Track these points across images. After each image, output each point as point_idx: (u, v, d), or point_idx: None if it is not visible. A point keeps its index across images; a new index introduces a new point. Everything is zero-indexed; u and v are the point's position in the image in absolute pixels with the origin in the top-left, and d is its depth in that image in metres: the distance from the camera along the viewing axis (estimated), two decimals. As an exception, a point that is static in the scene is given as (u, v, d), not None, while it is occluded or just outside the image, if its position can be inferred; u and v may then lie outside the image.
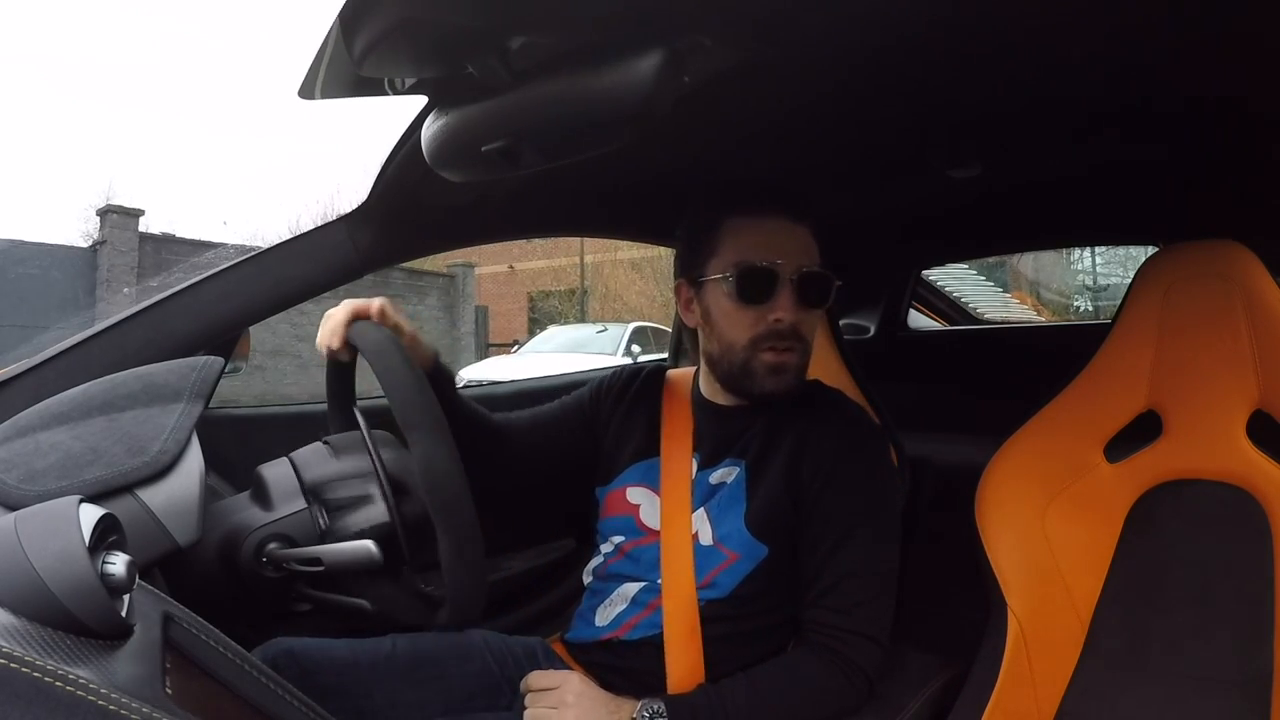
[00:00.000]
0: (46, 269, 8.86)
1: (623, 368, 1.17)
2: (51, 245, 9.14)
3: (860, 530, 0.92)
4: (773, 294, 0.92)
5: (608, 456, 1.08)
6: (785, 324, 0.92)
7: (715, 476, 1.00)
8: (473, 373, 9.01)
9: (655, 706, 0.85)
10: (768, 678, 0.88)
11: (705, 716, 0.85)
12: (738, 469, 0.99)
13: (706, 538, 0.97)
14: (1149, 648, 0.92)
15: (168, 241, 9.76)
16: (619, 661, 0.98)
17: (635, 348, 9.45)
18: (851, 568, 0.91)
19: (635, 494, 1.04)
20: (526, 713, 0.86)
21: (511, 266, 18.39)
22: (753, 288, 0.92)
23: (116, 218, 9.09)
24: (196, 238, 10.31)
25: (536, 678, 0.88)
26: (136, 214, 9.25)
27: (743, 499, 0.97)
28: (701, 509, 0.99)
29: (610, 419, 1.09)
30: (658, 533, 1.00)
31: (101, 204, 9.31)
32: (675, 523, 0.99)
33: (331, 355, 0.91)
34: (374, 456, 0.74)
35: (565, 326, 12.37)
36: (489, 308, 16.72)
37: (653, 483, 1.03)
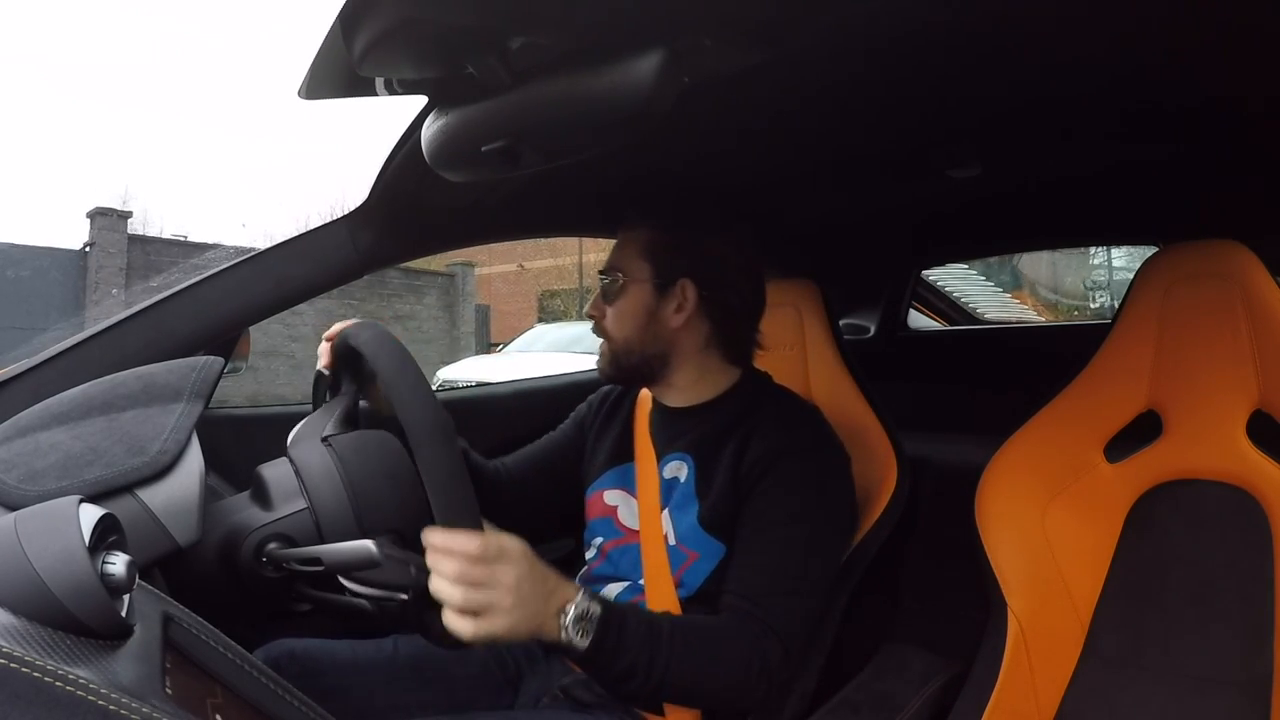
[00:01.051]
0: (45, 269, 9.02)
1: (610, 388, 1.21)
2: (47, 248, 9.28)
3: (786, 530, 0.91)
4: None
5: (589, 463, 1.14)
6: (591, 320, 1.07)
7: (668, 471, 1.03)
8: (449, 373, 8.50)
9: (593, 610, 0.77)
10: (693, 625, 0.85)
11: (632, 623, 0.79)
12: (686, 464, 1.01)
13: (672, 538, 0.99)
14: (1149, 648, 0.92)
15: (157, 243, 9.89)
16: None
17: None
18: (768, 561, 0.90)
19: (612, 496, 1.08)
20: (438, 584, 0.69)
21: (521, 265, 18.26)
22: None
23: (105, 220, 9.18)
24: (184, 238, 10.42)
25: (435, 534, 0.70)
26: (125, 216, 9.41)
27: (694, 497, 0.99)
28: (666, 511, 1.01)
29: (593, 430, 1.17)
30: (636, 532, 1.03)
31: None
32: (651, 523, 1.01)
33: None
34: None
35: (552, 325, 11.64)
36: (490, 307, 16.58)
37: (629, 485, 1.06)
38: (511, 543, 0.74)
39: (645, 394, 1.15)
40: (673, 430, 1.06)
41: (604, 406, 1.18)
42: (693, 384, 1.06)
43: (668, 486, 1.03)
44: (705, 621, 0.88)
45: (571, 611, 0.76)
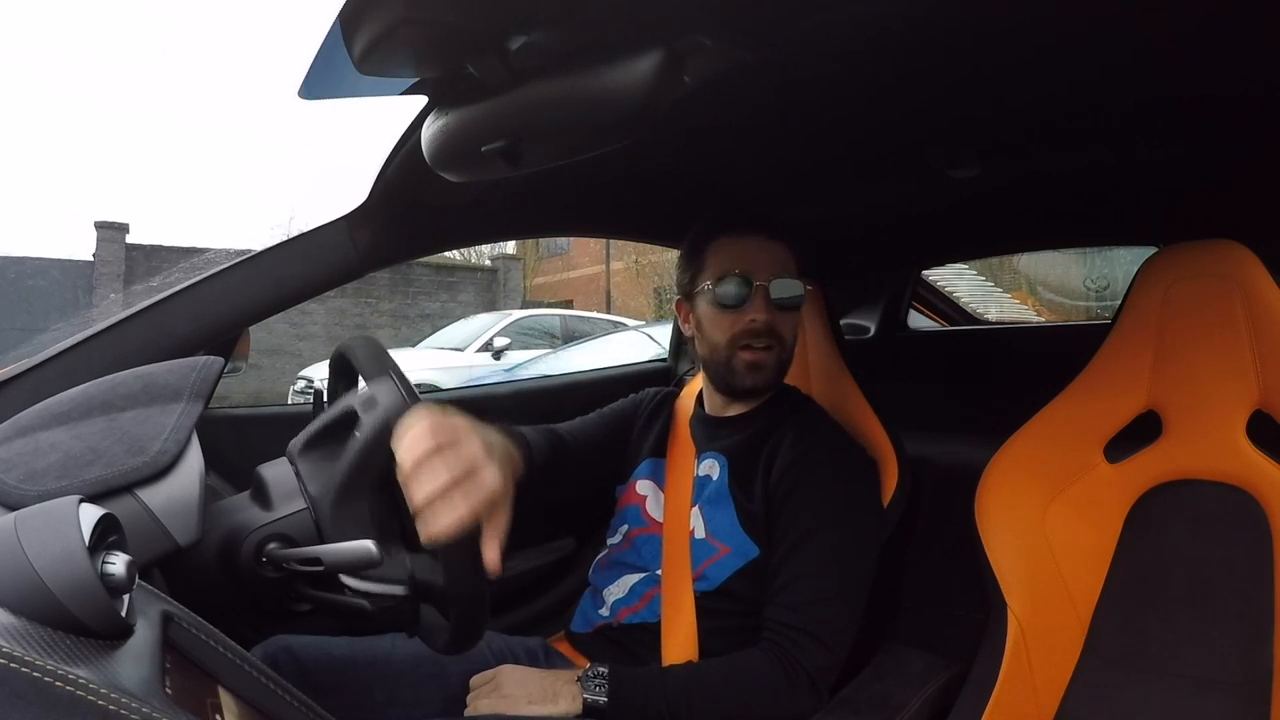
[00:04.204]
0: (66, 274, 10.12)
1: (655, 391, 1.26)
2: (64, 259, 10.38)
3: (819, 535, 0.96)
4: (748, 298, 1.03)
5: (628, 459, 1.19)
6: (760, 323, 1.03)
7: (702, 468, 1.09)
8: (312, 371, 7.40)
9: (600, 670, 0.91)
10: (714, 667, 0.93)
11: (644, 686, 0.90)
12: (719, 464, 1.07)
13: (700, 532, 1.04)
14: (1149, 648, 0.92)
15: (160, 251, 10.55)
16: (617, 648, 1.03)
17: (502, 340, 7.59)
18: (805, 569, 0.95)
19: (643, 486, 1.13)
20: (467, 706, 0.91)
21: (636, 259, 17.90)
22: (730, 293, 1.04)
23: (106, 231, 10.23)
24: (187, 245, 10.91)
25: (474, 679, 0.94)
26: (122, 228, 10.30)
27: (728, 495, 1.03)
28: (696, 506, 1.06)
29: (638, 428, 1.21)
30: (660, 524, 1.08)
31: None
32: (677, 517, 1.06)
33: None
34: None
35: (463, 320, 9.70)
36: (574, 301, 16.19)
37: (659, 479, 1.12)
38: (503, 668, 0.94)
39: (686, 398, 1.21)
40: (712, 433, 1.11)
41: (649, 406, 1.23)
42: None
43: (700, 483, 1.08)
44: (725, 659, 0.93)
45: (584, 672, 0.91)
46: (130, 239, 10.30)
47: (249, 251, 1.00)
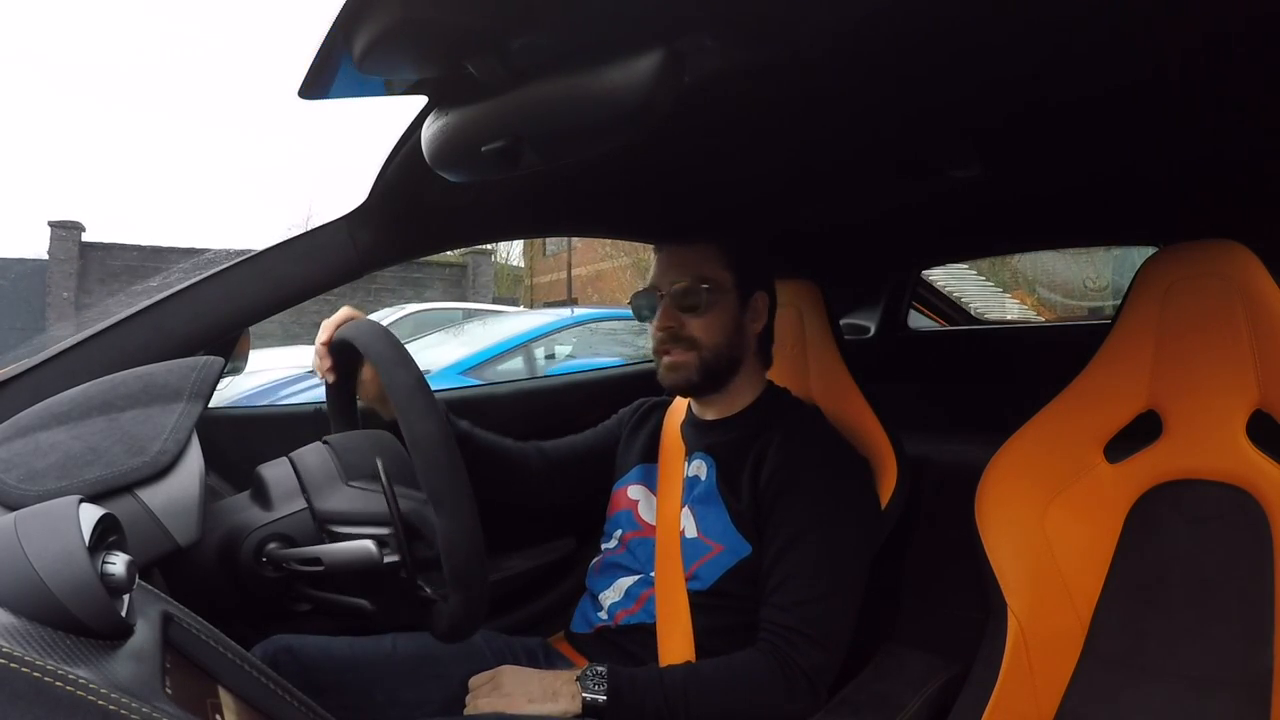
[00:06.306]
0: (33, 275, 10.25)
1: (644, 399, 1.29)
2: (32, 260, 10.50)
3: (811, 535, 0.97)
4: (655, 310, 1.10)
5: (619, 462, 1.21)
6: (664, 332, 1.08)
7: (691, 469, 1.10)
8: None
9: (599, 669, 0.91)
10: (711, 667, 0.93)
11: (642, 686, 0.90)
12: (706, 464, 1.08)
13: (691, 531, 1.05)
14: (1149, 648, 0.92)
15: (114, 249, 10.72)
16: (616, 649, 1.03)
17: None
18: (797, 569, 0.95)
19: (635, 491, 1.15)
20: (467, 706, 0.92)
21: (640, 257, 17.74)
22: (640, 309, 1.13)
23: (60, 230, 10.39)
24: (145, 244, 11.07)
25: (473, 680, 0.95)
26: (75, 227, 10.45)
27: (717, 495, 1.04)
28: (686, 507, 1.07)
29: (626, 432, 1.23)
30: (653, 527, 1.09)
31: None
32: (667, 518, 1.08)
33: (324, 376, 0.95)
34: (389, 497, 0.71)
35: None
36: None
37: (651, 484, 1.13)
38: (503, 669, 0.95)
39: (677, 405, 1.22)
40: (701, 434, 1.13)
41: (638, 413, 1.26)
42: (738, 391, 1.12)
43: (690, 484, 1.09)
44: (723, 659, 0.94)
45: (584, 671, 0.91)
46: (85, 237, 10.38)
47: (248, 251, 1.00)
